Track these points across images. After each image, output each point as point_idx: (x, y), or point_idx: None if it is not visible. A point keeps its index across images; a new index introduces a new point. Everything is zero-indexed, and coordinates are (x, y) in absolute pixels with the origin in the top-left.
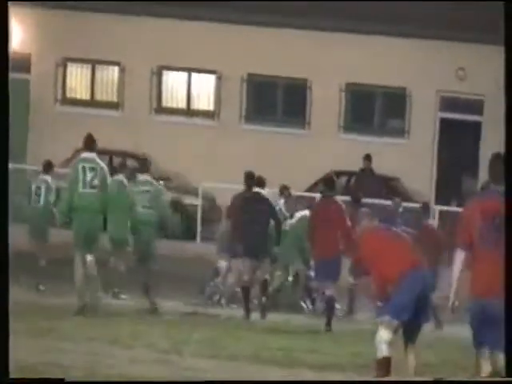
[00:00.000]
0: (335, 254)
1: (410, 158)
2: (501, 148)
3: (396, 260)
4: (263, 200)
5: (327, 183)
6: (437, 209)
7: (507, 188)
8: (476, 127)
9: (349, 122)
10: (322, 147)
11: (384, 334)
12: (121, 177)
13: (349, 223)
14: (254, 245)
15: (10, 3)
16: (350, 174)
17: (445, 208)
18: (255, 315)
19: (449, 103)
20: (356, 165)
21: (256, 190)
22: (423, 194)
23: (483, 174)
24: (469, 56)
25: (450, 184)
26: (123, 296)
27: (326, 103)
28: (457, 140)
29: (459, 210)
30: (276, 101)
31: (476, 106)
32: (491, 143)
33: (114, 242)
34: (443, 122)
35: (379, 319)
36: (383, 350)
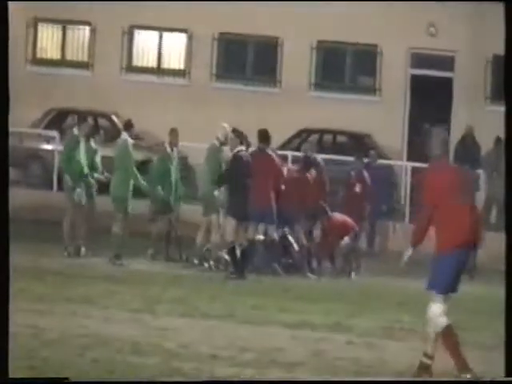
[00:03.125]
0: (268, 201)
1: (382, 115)
2: (471, 105)
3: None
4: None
5: (261, 137)
6: (409, 165)
7: (507, 187)
8: (447, 84)
9: (320, 79)
10: (293, 105)
11: (437, 308)
12: (125, 136)
13: (280, 173)
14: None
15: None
16: (321, 131)
17: (416, 164)
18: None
19: (420, 60)
20: (327, 122)
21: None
22: (395, 150)
23: (455, 132)
24: (439, 12)
25: (421, 140)
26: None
27: (297, 61)
28: (428, 97)
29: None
30: (247, 59)
31: (447, 63)
32: (461, 100)
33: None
34: (414, 78)
35: (432, 295)
36: (443, 321)
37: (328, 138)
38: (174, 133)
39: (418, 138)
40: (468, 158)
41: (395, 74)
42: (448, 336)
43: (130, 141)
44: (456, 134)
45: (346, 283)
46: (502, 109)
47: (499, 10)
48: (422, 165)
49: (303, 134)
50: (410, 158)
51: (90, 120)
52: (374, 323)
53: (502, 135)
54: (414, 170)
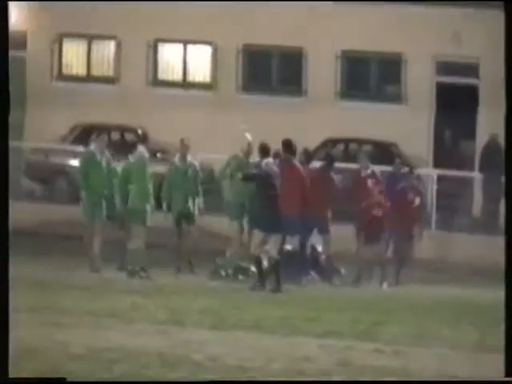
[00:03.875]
0: (295, 211)
1: (407, 124)
2: (496, 112)
3: None
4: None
5: (286, 147)
6: (435, 173)
7: (507, 187)
8: (472, 90)
9: (345, 88)
10: (319, 115)
11: None
12: (141, 148)
13: (306, 183)
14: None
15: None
16: (346, 140)
17: (443, 172)
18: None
19: (445, 67)
20: (353, 132)
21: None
22: (421, 158)
23: (480, 138)
24: (464, 20)
25: (447, 148)
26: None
27: (322, 71)
28: (453, 104)
29: (457, 173)
30: (272, 70)
31: (472, 70)
32: (486, 107)
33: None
34: (439, 86)
35: None
36: None
37: (353, 147)
38: (183, 143)
39: (444, 146)
40: (493, 165)
41: (420, 83)
42: None
43: (146, 154)
44: (481, 141)
45: (376, 291)
46: None
47: None
48: (447, 172)
49: (329, 144)
50: (435, 166)
51: (116, 134)
52: (402, 331)
53: None
54: (440, 178)
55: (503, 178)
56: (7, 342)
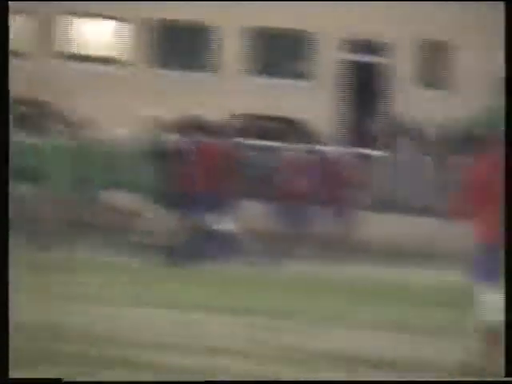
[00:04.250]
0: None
1: (315, 100)
2: (406, 91)
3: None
4: None
5: (196, 124)
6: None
7: (507, 186)
8: (382, 69)
9: (254, 65)
10: (229, 91)
11: (497, 298)
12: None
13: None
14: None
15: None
16: (255, 117)
17: (350, 150)
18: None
19: (351, 45)
20: (261, 108)
21: None
22: (328, 135)
23: (390, 113)
24: None
25: (352, 125)
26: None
27: (232, 47)
28: (362, 82)
29: (361, 151)
30: (183, 46)
31: (381, 48)
32: (396, 85)
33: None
34: (345, 63)
35: (486, 283)
36: (499, 314)
37: (262, 123)
38: (85, 119)
39: (349, 124)
40: (395, 144)
41: (329, 60)
42: (496, 335)
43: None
44: (390, 118)
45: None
46: (436, 93)
47: None
48: (355, 150)
49: (238, 120)
50: (340, 143)
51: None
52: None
53: (439, 119)
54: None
55: (403, 156)
56: (7, 342)
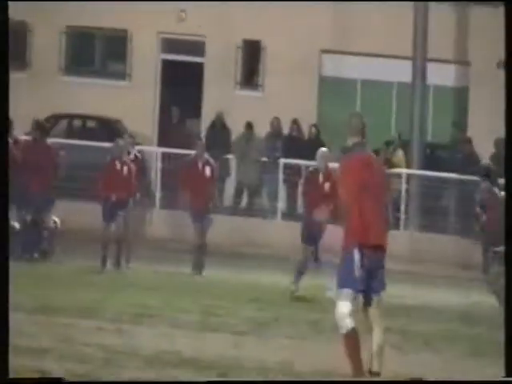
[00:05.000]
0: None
1: (132, 101)
2: (222, 90)
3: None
4: None
5: (40, 128)
6: (159, 151)
7: (507, 184)
8: (198, 68)
9: (69, 64)
10: (43, 90)
11: (344, 308)
12: None
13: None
14: None
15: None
16: (70, 116)
17: (167, 150)
18: None
19: (170, 45)
20: (77, 108)
21: None
22: (146, 135)
23: (206, 116)
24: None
25: (172, 126)
26: None
27: (46, 46)
28: (179, 82)
29: (182, 151)
30: None
31: (198, 48)
32: (212, 85)
33: None
34: (165, 63)
35: (333, 293)
36: (348, 323)
37: (78, 123)
38: None
39: (169, 124)
40: (218, 143)
41: (146, 59)
42: (351, 339)
43: None
44: (207, 119)
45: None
46: (252, 94)
47: None
48: (172, 150)
49: (52, 120)
50: (160, 144)
51: None
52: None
53: (252, 120)
54: (165, 156)
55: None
56: (7, 342)
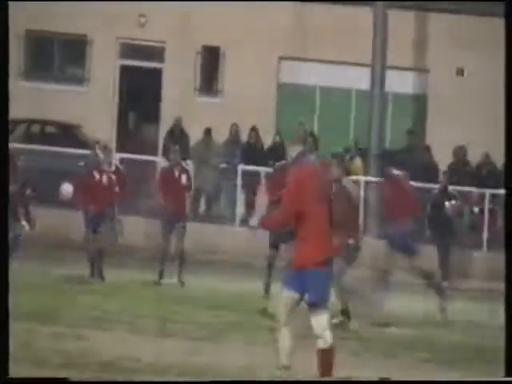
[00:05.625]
0: None
1: (91, 106)
2: (180, 96)
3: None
4: None
5: None
6: (117, 156)
7: (507, 186)
8: (157, 74)
9: (28, 68)
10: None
11: (325, 321)
12: None
13: None
14: None
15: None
16: (29, 121)
17: (125, 156)
18: None
19: (129, 50)
20: (35, 113)
21: None
22: (104, 141)
23: (164, 123)
24: (150, 3)
25: (130, 131)
26: None
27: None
28: (138, 87)
29: (139, 157)
30: None
31: (156, 53)
32: (171, 91)
33: None
34: (124, 69)
35: (314, 308)
36: (329, 337)
37: (36, 128)
38: None
39: (127, 130)
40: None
41: (105, 65)
42: (329, 356)
43: None
44: (165, 125)
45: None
46: (210, 100)
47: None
48: (130, 156)
49: (10, 125)
50: (118, 150)
51: None
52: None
53: (211, 126)
54: (123, 161)
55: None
56: (7, 342)
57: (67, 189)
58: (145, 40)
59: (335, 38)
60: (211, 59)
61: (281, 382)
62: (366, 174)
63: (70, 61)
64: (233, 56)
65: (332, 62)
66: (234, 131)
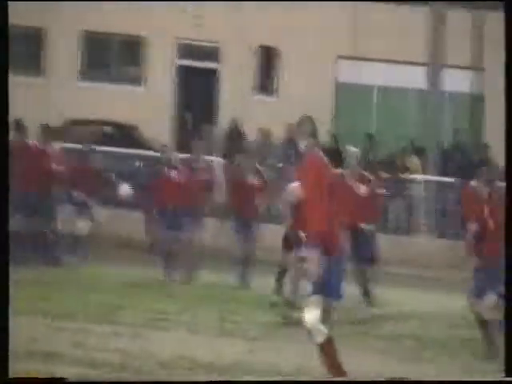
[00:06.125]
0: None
1: (148, 106)
2: (238, 94)
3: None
4: None
5: (44, 132)
6: (177, 156)
7: (507, 186)
8: (213, 74)
9: (85, 69)
10: (60, 95)
11: (314, 315)
12: None
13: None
14: None
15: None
16: (87, 122)
17: (185, 156)
18: None
19: (186, 50)
20: (93, 113)
21: None
22: (161, 142)
23: (223, 120)
24: (204, 4)
25: (188, 132)
26: None
27: (62, 50)
28: (194, 87)
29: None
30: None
31: (213, 53)
32: (229, 91)
33: None
34: (180, 69)
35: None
36: (322, 330)
37: (94, 128)
38: None
39: (185, 130)
40: (235, 150)
41: (162, 65)
42: (329, 347)
43: None
44: (222, 125)
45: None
46: (266, 99)
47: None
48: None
49: (69, 125)
50: (177, 149)
51: None
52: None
53: (266, 125)
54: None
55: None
56: (7, 342)
57: (125, 189)
58: (201, 40)
59: (392, 37)
60: (268, 59)
61: (281, 382)
62: (424, 172)
63: (127, 61)
64: (290, 56)
65: (390, 61)
66: (291, 131)
